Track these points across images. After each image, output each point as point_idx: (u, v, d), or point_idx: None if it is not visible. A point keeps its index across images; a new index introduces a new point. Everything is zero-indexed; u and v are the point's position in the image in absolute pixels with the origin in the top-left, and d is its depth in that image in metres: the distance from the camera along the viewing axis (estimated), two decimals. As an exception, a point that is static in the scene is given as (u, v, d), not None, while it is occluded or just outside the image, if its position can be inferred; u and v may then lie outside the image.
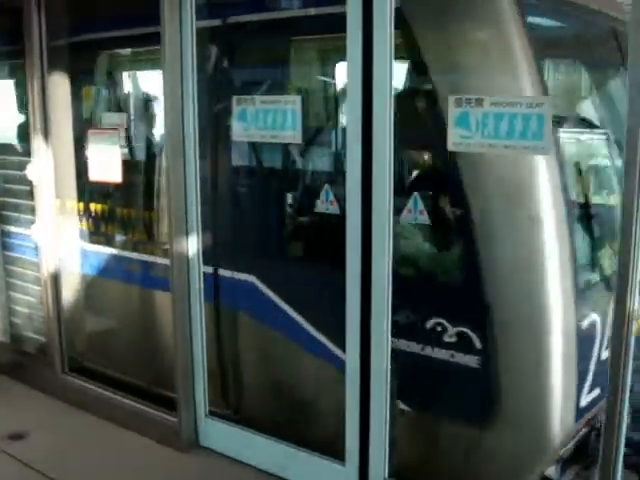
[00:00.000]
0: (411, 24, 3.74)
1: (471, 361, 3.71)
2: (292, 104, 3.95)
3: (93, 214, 5.41)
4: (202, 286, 4.52)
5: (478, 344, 3.67)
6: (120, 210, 5.29)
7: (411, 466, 3.93)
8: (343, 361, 3.92)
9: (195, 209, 4.42)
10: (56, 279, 5.39)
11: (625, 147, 2.86)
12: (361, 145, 3.61)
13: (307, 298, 4.27)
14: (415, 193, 3.65)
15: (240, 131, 4.23)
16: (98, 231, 5.42)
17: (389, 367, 3.75)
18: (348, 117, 3.72)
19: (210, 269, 4.58)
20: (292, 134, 3.98)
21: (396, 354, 3.77)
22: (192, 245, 4.47)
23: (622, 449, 3.07)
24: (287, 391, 4.51)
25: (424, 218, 3.66)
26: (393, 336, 3.74)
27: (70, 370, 5.44)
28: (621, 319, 2.94)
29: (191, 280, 4.50)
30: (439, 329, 3.76)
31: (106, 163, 4.93)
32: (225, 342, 4.76)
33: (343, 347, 3.92)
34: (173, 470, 4.47)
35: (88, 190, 5.39)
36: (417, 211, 3.64)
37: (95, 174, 5.05)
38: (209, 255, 4.56)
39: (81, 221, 5.45)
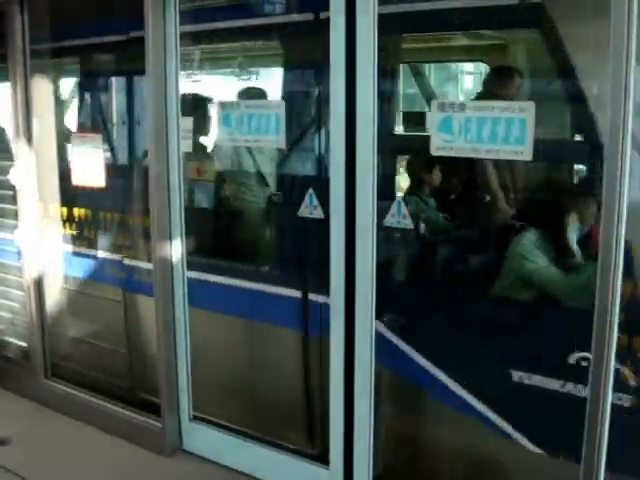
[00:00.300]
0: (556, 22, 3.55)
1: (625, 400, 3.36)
2: (276, 109, 3.97)
3: (77, 218, 5.39)
4: (186, 290, 4.51)
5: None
6: (104, 214, 5.27)
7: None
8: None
9: (179, 213, 4.42)
10: (39, 284, 5.35)
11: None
12: (344, 149, 3.63)
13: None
14: (398, 197, 3.68)
15: (224, 136, 4.23)
16: (82, 235, 5.40)
17: (373, 372, 3.75)
18: (331, 122, 3.72)
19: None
20: (276, 139, 4.00)
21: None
22: (175, 250, 4.47)
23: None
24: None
25: (407, 222, 3.68)
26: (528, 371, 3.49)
27: (53, 375, 5.41)
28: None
29: (175, 284, 4.50)
30: (584, 364, 3.29)
31: (89, 167, 4.92)
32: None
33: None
34: (156, 475, 4.46)
35: (71, 194, 5.36)
36: (400, 215, 3.67)
37: (78, 178, 5.03)
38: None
39: (64, 225, 5.42)
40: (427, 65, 6.61)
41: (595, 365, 3.05)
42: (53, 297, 5.47)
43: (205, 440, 4.59)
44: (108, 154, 5.11)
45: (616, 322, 2.98)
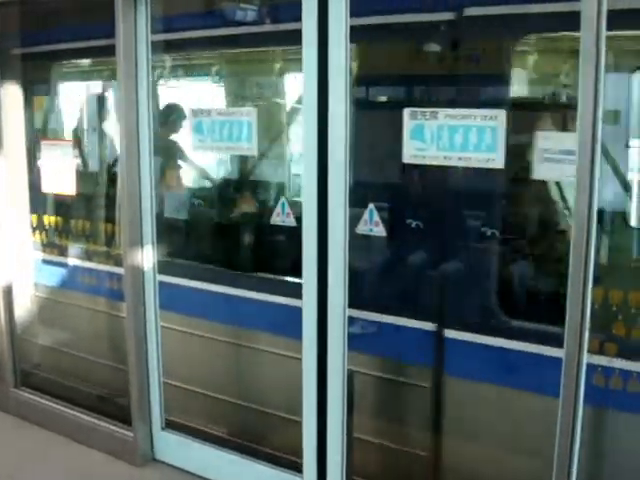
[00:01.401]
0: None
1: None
2: (248, 116, 3.97)
3: (47, 225, 5.35)
4: (157, 296, 4.48)
5: None
6: (75, 221, 5.24)
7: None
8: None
9: (150, 219, 4.39)
10: (9, 292, 5.29)
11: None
12: (317, 157, 3.63)
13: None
14: (371, 205, 3.69)
15: (197, 142, 4.22)
16: (53, 242, 5.36)
17: (345, 382, 3.75)
18: (304, 128, 3.72)
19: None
20: (247, 146, 4.00)
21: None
22: (147, 255, 4.44)
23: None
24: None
25: (379, 230, 3.69)
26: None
27: (23, 385, 5.34)
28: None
29: (146, 290, 4.47)
30: None
31: (59, 174, 4.87)
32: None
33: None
34: (128, 485, 4.42)
35: (42, 201, 5.33)
36: (372, 222, 3.67)
37: (48, 185, 4.99)
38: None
39: (35, 232, 5.38)
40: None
41: (567, 363, 3.07)
42: (23, 305, 5.41)
43: (177, 449, 4.55)
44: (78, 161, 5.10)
45: (588, 322, 3.02)
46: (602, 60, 2.87)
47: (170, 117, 5.48)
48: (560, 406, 3.11)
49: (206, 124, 4.11)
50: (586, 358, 3.05)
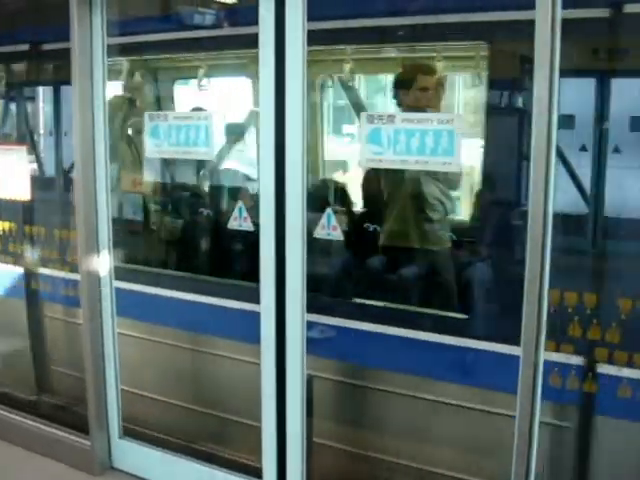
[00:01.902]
0: None
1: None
2: (204, 120, 3.94)
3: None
4: (114, 302, 4.42)
5: None
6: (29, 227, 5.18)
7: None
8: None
9: (107, 224, 4.34)
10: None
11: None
12: (274, 159, 3.62)
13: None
14: (328, 209, 3.68)
15: (153, 147, 4.19)
16: (6, 249, 5.29)
17: (304, 386, 3.75)
18: (261, 133, 3.72)
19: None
20: (205, 150, 3.98)
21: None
22: (103, 261, 4.39)
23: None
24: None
25: (337, 234, 3.69)
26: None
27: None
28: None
29: (103, 297, 4.41)
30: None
31: (12, 179, 4.80)
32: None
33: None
34: (85, 495, 4.35)
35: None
36: (330, 227, 3.67)
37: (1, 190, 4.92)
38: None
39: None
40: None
41: (525, 361, 3.10)
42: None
43: (136, 457, 4.49)
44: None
45: (544, 322, 3.06)
46: (556, 66, 2.91)
47: None
48: (518, 405, 3.15)
49: (162, 128, 4.07)
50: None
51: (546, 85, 2.90)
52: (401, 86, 4.36)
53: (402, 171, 4.14)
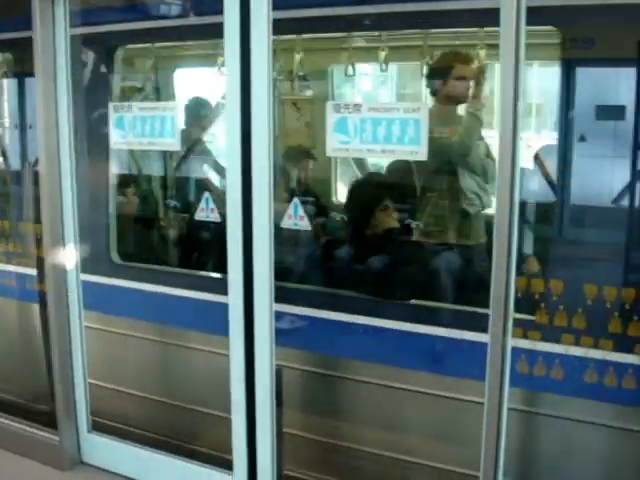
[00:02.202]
0: None
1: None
2: (170, 111, 3.91)
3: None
4: (81, 296, 4.39)
5: None
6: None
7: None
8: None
9: (72, 217, 4.30)
10: None
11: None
12: (240, 153, 3.60)
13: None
14: (295, 199, 3.68)
15: (118, 139, 4.15)
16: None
17: (273, 378, 3.74)
18: (227, 124, 3.68)
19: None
20: (170, 141, 3.95)
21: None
22: (69, 254, 4.34)
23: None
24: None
25: (304, 224, 3.68)
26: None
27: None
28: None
29: (69, 290, 4.38)
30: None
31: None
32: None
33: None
34: (54, 490, 4.32)
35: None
36: (297, 217, 3.67)
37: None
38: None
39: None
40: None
41: (492, 348, 3.12)
42: None
43: (105, 452, 4.47)
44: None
45: (512, 308, 3.09)
46: (522, 54, 2.91)
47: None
48: (486, 391, 3.17)
49: (127, 119, 4.04)
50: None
51: (511, 74, 2.91)
52: (436, 75, 4.29)
53: (437, 164, 4.13)
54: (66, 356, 4.41)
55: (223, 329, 3.82)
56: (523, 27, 2.90)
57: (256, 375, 3.76)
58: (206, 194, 3.90)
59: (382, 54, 4.95)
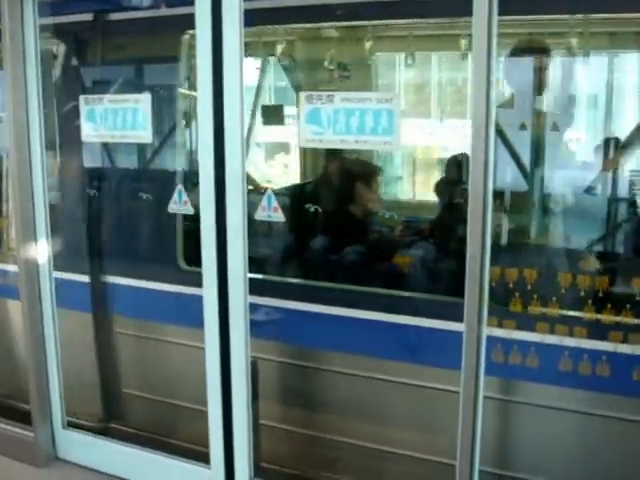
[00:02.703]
0: None
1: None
2: (142, 103, 3.88)
3: None
4: (54, 291, 4.35)
5: None
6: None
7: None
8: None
9: (44, 212, 4.26)
10: None
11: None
12: (213, 144, 3.58)
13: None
14: (269, 190, 3.65)
15: (89, 132, 4.11)
16: None
17: (248, 370, 3.73)
18: (200, 115, 3.65)
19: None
20: (142, 134, 3.92)
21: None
22: (42, 250, 4.30)
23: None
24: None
25: (278, 215, 3.67)
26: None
27: None
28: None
29: (42, 286, 4.33)
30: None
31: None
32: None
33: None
34: (29, 487, 4.28)
35: None
36: (271, 208, 3.65)
37: None
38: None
39: None
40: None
41: (468, 336, 3.14)
42: None
43: (81, 447, 4.44)
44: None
45: (486, 298, 3.10)
46: (494, 45, 2.91)
47: None
48: (462, 380, 3.19)
49: (98, 112, 4.00)
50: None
51: (483, 64, 2.91)
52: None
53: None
54: (40, 352, 4.37)
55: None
56: (495, 17, 2.90)
57: (232, 367, 3.75)
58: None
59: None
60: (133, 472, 4.23)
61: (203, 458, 3.98)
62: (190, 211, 3.90)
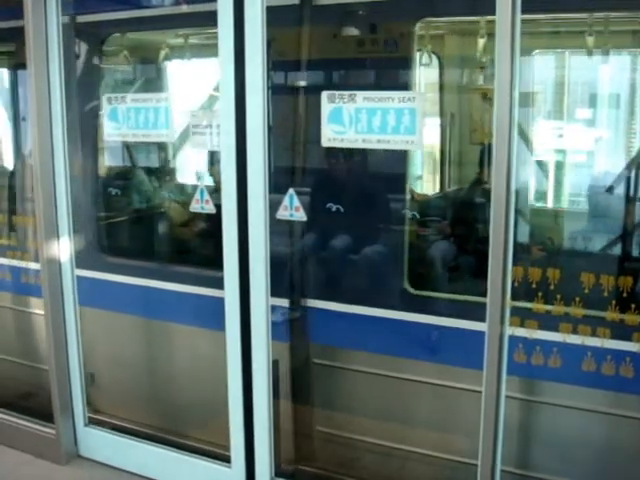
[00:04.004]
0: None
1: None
2: (164, 102, 3.88)
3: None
4: (76, 290, 4.37)
5: None
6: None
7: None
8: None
9: (66, 211, 4.27)
10: None
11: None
12: (235, 144, 3.57)
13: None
14: (290, 190, 3.64)
15: (111, 130, 4.12)
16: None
17: (270, 369, 3.74)
18: (221, 114, 3.65)
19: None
20: (165, 132, 3.93)
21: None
22: (64, 248, 4.32)
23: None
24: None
25: (300, 214, 3.66)
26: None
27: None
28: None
29: (64, 284, 4.35)
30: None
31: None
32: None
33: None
34: (52, 484, 4.30)
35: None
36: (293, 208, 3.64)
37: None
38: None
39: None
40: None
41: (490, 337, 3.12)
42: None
43: (102, 445, 4.46)
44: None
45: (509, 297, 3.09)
46: (517, 42, 2.89)
47: None
48: (484, 380, 3.17)
49: (121, 111, 4.00)
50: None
51: (508, 64, 2.89)
52: None
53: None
54: (62, 350, 4.39)
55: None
56: (519, 14, 2.87)
57: (253, 372, 3.75)
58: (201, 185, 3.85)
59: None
60: (154, 470, 4.24)
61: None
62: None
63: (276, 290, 3.71)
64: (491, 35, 3.91)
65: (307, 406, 4.22)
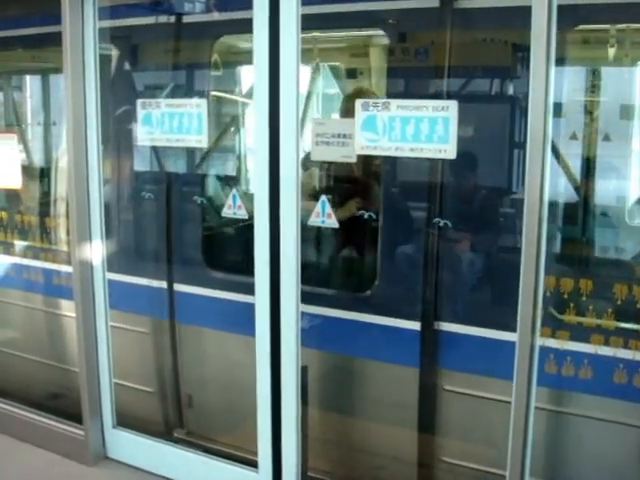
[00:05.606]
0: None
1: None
2: (198, 108, 3.90)
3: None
4: (107, 293, 4.40)
5: None
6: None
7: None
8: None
9: (99, 214, 4.30)
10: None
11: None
12: (268, 149, 3.58)
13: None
14: (323, 197, 3.65)
15: (145, 135, 4.15)
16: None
17: (299, 376, 3.73)
18: (255, 120, 3.66)
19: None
20: (198, 138, 3.95)
21: None
22: (96, 251, 4.35)
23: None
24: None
25: (332, 221, 3.67)
26: None
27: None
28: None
29: (95, 287, 4.38)
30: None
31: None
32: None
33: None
34: (80, 484, 4.33)
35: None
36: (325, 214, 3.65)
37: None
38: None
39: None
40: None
41: (521, 346, 3.12)
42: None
43: (130, 447, 4.48)
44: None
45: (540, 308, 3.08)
46: (552, 53, 2.89)
47: None
48: (514, 390, 3.17)
49: (155, 116, 4.03)
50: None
51: (542, 74, 2.89)
52: None
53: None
54: (92, 352, 4.42)
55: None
56: (554, 25, 2.87)
57: (282, 378, 3.76)
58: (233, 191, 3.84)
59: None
60: (181, 473, 4.25)
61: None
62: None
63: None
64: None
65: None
